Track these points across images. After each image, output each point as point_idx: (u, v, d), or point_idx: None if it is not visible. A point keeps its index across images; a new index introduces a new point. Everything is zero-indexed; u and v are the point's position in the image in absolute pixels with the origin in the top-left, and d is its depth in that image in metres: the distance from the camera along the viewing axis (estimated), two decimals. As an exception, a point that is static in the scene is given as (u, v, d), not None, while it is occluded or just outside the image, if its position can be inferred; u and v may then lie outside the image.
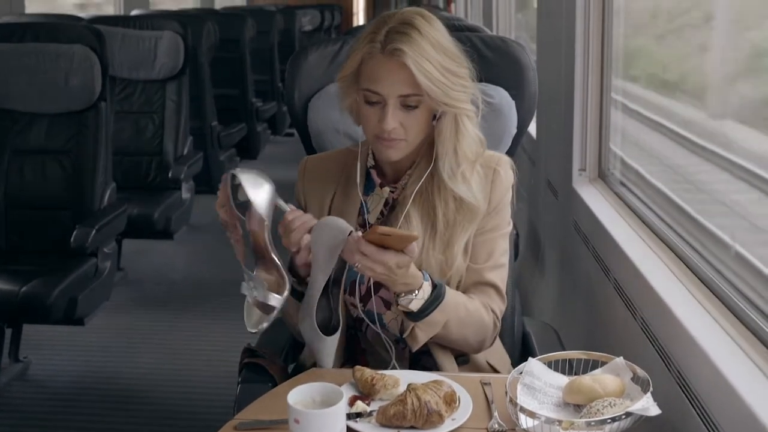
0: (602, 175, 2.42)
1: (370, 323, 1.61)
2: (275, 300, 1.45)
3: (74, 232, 3.00)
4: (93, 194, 3.14)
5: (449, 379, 1.39)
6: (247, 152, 6.63)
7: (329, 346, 1.54)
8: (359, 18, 16.82)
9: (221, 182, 1.45)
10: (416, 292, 1.47)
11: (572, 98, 2.43)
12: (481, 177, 1.58)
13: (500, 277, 1.62)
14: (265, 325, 1.47)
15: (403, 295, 1.48)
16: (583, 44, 2.39)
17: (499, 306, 1.61)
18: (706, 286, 1.58)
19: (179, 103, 4.51)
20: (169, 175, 4.35)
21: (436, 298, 1.49)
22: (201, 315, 3.81)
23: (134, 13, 5.70)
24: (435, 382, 1.35)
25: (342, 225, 1.47)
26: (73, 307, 2.86)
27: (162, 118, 4.46)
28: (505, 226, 1.63)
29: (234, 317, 3.77)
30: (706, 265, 1.63)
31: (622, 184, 2.28)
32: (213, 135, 5.55)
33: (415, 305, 1.48)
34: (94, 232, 2.99)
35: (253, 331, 1.48)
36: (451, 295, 1.52)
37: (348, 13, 15.70)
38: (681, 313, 1.50)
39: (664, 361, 1.53)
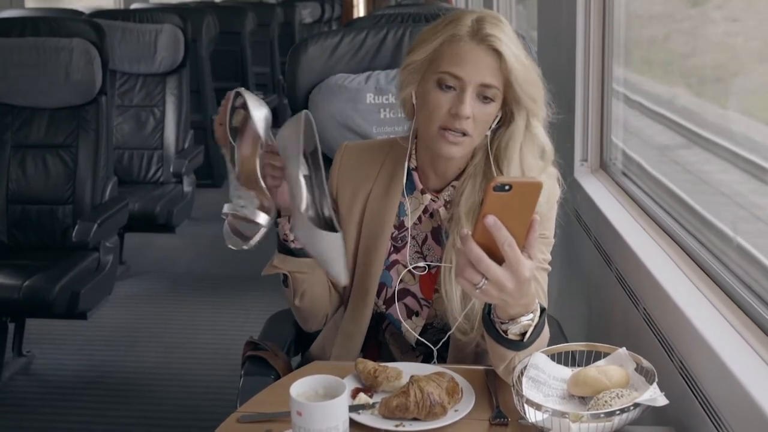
0: (604, 166, 2.42)
1: (390, 323, 1.60)
2: (263, 219, 1.39)
3: (76, 227, 3.01)
4: (94, 188, 3.15)
5: (452, 370, 1.39)
6: (249, 145, 6.61)
7: (332, 244, 1.39)
8: (359, 10, 16.77)
9: (224, 99, 1.42)
10: (531, 313, 1.29)
11: (573, 89, 2.43)
12: None
13: (545, 279, 1.53)
14: (244, 246, 1.40)
15: (513, 320, 1.29)
16: (584, 35, 2.39)
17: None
18: (708, 276, 1.58)
19: (180, 96, 4.51)
20: (171, 168, 4.37)
21: (542, 319, 1.31)
22: (203, 308, 3.82)
23: (134, 6, 5.70)
24: (437, 373, 1.35)
25: (297, 116, 1.40)
26: (76, 302, 2.86)
27: (163, 111, 4.47)
28: (549, 236, 1.55)
29: (236, 310, 3.82)
30: (708, 255, 1.63)
31: (624, 174, 2.28)
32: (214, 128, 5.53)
33: (524, 329, 1.30)
34: (95, 226, 3.00)
35: (238, 248, 1.40)
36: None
37: (348, 5, 15.67)
38: (683, 303, 1.50)
39: (666, 352, 1.53)
